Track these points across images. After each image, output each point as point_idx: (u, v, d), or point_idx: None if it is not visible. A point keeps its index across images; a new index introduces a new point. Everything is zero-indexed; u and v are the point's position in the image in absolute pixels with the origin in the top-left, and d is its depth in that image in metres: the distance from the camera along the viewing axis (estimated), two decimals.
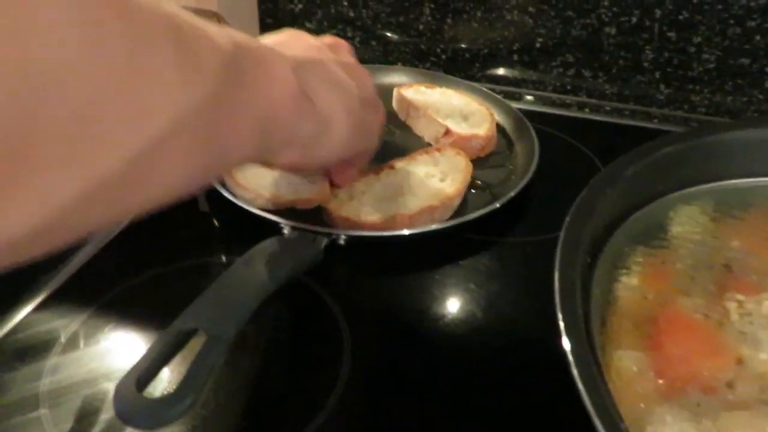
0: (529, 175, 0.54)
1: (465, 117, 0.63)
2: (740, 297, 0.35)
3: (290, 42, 0.40)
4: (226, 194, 0.50)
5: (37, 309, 0.43)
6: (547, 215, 0.53)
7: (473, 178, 0.54)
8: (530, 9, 0.72)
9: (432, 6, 0.76)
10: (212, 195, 0.52)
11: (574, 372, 0.27)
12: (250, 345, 0.41)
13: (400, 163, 0.54)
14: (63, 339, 0.41)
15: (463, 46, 0.78)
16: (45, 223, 0.19)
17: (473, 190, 0.55)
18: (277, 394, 0.39)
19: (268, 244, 0.43)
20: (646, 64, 0.71)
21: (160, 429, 0.31)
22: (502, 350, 0.42)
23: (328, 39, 0.44)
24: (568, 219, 0.35)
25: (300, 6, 0.81)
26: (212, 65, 0.26)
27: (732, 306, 0.35)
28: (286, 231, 0.46)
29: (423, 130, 0.63)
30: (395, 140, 0.61)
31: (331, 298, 0.45)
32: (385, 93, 0.61)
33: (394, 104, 0.66)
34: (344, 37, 0.80)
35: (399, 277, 0.48)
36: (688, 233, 0.40)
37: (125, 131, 0.21)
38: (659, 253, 0.39)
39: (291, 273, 0.42)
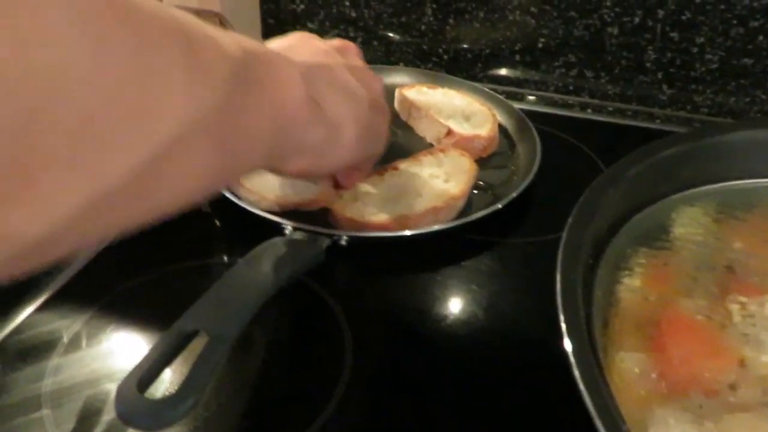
0: (531, 175, 0.54)
1: (467, 117, 0.63)
2: (743, 299, 0.35)
3: (298, 46, 0.40)
4: (228, 195, 0.50)
5: (40, 309, 0.43)
6: (549, 216, 0.53)
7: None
8: (532, 9, 0.72)
9: (434, 6, 0.76)
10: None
11: (576, 373, 0.27)
12: (251, 346, 0.41)
13: (404, 164, 0.54)
14: (65, 339, 0.41)
15: (465, 46, 0.77)
16: (50, 231, 0.19)
17: (475, 191, 0.54)
18: (278, 395, 0.39)
19: (270, 245, 0.43)
20: (648, 65, 0.71)
21: (161, 430, 0.31)
22: (503, 351, 0.42)
23: (336, 42, 0.44)
24: (570, 220, 0.35)
25: (302, 6, 0.81)
26: (221, 72, 0.25)
27: (734, 308, 0.35)
28: (287, 232, 0.46)
29: (425, 130, 0.63)
30: (397, 141, 0.61)
31: (333, 299, 0.45)
32: (387, 93, 0.61)
33: (396, 105, 0.66)
34: (346, 37, 0.80)
35: (401, 278, 0.48)
36: (691, 234, 0.40)
37: (132, 138, 0.20)
38: (661, 254, 0.39)
39: (293, 274, 0.42)
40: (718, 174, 0.44)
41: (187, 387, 0.31)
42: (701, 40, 0.68)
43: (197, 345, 0.34)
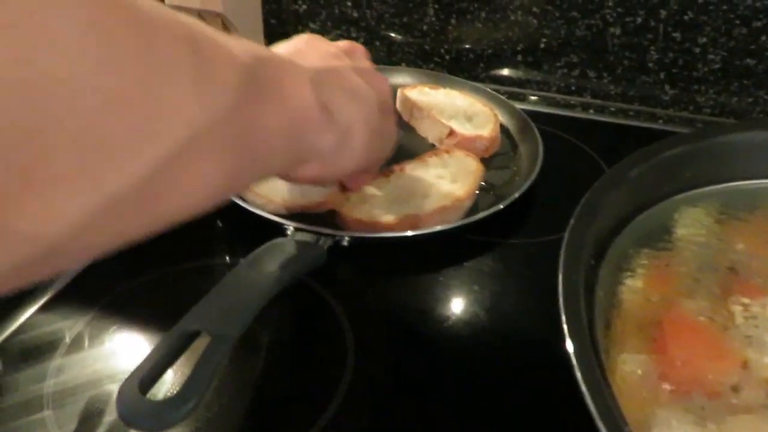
0: (533, 176, 0.54)
1: (469, 118, 0.63)
2: (745, 300, 0.35)
3: (306, 50, 0.40)
4: (233, 197, 0.50)
5: (42, 310, 0.43)
6: (551, 217, 0.53)
7: None
8: (534, 9, 0.72)
9: (436, 6, 0.76)
10: None
11: (578, 375, 0.27)
12: (254, 346, 0.41)
13: (409, 166, 0.55)
14: (67, 340, 0.41)
15: (467, 46, 0.77)
16: (56, 239, 0.18)
17: (477, 192, 0.54)
18: (280, 396, 0.39)
19: (272, 246, 0.43)
20: (651, 65, 0.71)
21: (163, 431, 0.31)
22: (505, 352, 0.42)
23: (343, 44, 0.44)
24: (572, 221, 0.35)
25: (304, 7, 0.81)
26: (229, 77, 0.25)
27: (737, 309, 0.35)
28: (289, 232, 0.46)
29: (427, 131, 0.63)
30: (399, 141, 0.61)
31: (335, 300, 0.45)
32: None
33: (398, 105, 0.66)
34: (348, 37, 0.80)
35: (403, 279, 0.48)
36: (693, 235, 0.40)
37: (139, 145, 0.20)
38: (664, 255, 0.39)
39: (295, 274, 0.42)
40: (720, 175, 0.43)
41: (188, 388, 0.31)
42: (704, 40, 0.68)
43: (199, 345, 0.34)
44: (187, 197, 0.24)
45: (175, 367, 0.35)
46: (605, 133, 0.69)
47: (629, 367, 0.32)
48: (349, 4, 0.79)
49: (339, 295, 0.45)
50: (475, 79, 0.76)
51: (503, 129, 0.63)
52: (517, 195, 0.52)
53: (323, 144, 0.35)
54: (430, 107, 0.63)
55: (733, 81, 0.69)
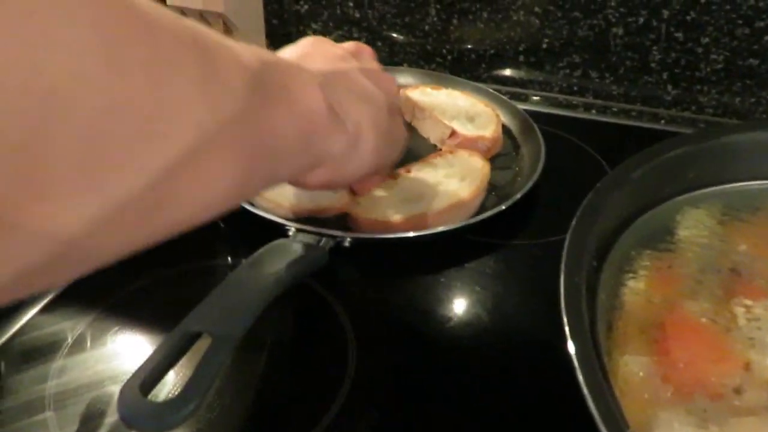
0: (535, 176, 0.54)
1: (471, 118, 0.62)
2: (748, 302, 0.35)
3: (313, 53, 0.39)
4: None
5: (43, 311, 0.43)
6: (553, 218, 0.53)
7: None
8: (537, 9, 0.72)
9: (438, 7, 0.76)
10: None
11: (580, 377, 0.27)
12: (255, 347, 0.41)
13: (416, 167, 0.55)
14: (70, 340, 0.41)
15: (469, 46, 0.77)
16: (58, 246, 0.18)
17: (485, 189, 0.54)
18: (282, 397, 0.39)
19: (274, 247, 0.43)
20: (653, 65, 0.71)
21: None
22: (507, 353, 0.42)
23: (350, 46, 0.43)
24: (574, 222, 0.35)
25: (306, 7, 0.81)
26: (237, 81, 0.25)
27: (740, 311, 0.34)
28: (291, 233, 0.46)
29: (429, 131, 0.63)
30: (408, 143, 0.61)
31: (336, 301, 0.45)
32: None
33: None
34: (350, 38, 0.80)
35: (404, 280, 0.48)
36: (696, 237, 0.40)
37: (145, 151, 0.20)
38: (666, 256, 0.39)
39: (296, 275, 0.42)
40: (723, 175, 0.43)
41: (190, 390, 0.31)
42: (706, 40, 0.68)
43: (201, 347, 0.34)
44: (197, 202, 0.24)
45: (176, 368, 0.35)
46: (607, 133, 0.69)
47: (631, 368, 0.32)
48: (351, 4, 0.79)
49: (340, 296, 0.45)
50: (477, 79, 0.76)
51: (505, 129, 0.63)
52: (519, 196, 0.52)
53: (333, 148, 0.35)
54: (432, 108, 0.63)
55: (736, 81, 0.69)
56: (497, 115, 0.63)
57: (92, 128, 0.18)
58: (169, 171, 0.20)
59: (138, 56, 0.19)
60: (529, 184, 0.53)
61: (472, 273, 0.48)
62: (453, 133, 0.59)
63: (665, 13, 0.68)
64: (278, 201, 0.50)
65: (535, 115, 0.64)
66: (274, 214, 0.49)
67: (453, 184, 0.53)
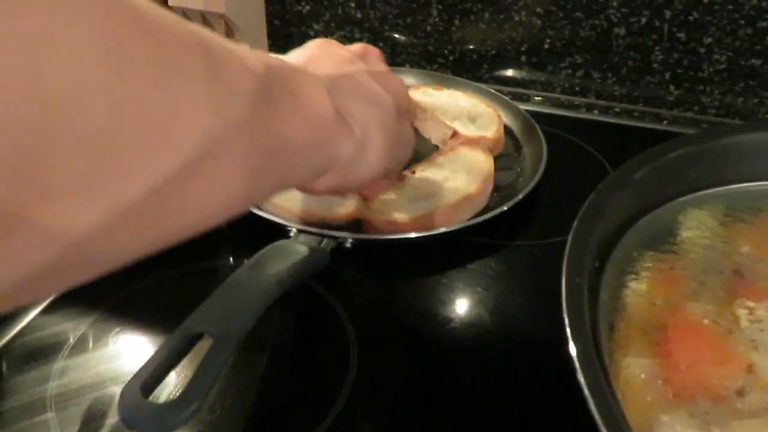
0: (537, 177, 0.54)
1: (473, 119, 0.62)
2: (750, 303, 0.35)
3: (321, 56, 0.39)
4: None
5: (45, 312, 0.43)
6: (555, 218, 0.53)
7: None
8: (538, 10, 0.72)
9: (440, 7, 0.76)
10: None
11: (581, 378, 0.27)
12: (256, 349, 0.41)
13: (420, 167, 0.55)
14: (71, 341, 0.41)
15: (470, 47, 0.77)
16: (61, 254, 0.18)
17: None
18: (283, 398, 0.39)
19: (275, 248, 0.43)
20: (655, 65, 0.71)
21: None
22: (508, 354, 0.42)
23: (357, 48, 0.43)
24: (576, 223, 0.35)
25: (308, 7, 0.81)
26: (244, 87, 0.24)
27: (742, 312, 0.34)
28: (292, 234, 0.46)
29: (430, 132, 0.62)
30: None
31: (338, 302, 0.45)
32: None
33: None
34: (351, 38, 0.80)
35: (406, 281, 0.48)
36: (698, 238, 0.40)
37: (150, 157, 0.19)
38: (668, 258, 0.39)
39: (298, 276, 0.42)
40: (725, 176, 0.43)
41: (190, 391, 0.31)
42: (709, 40, 0.68)
43: (202, 347, 0.34)
44: (204, 208, 0.24)
45: (177, 369, 0.35)
46: (609, 134, 0.69)
47: (633, 370, 0.32)
48: (353, 5, 0.79)
49: (342, 297, 0.45)
50: (479, 79, 0.76)
51: (507, 130, 0.63)
52: (521, 196, 0.52)
53: (341, 153, 0.34)
54: (434, 108, 0.62)
55: (739, 81, 0.69)
56: (499, 116, 0.63)
57: (96, 132, 0.17)
58: (175, 176, 0.20)
59: (142, 60, 0.19)
60: (531, 185, 0.53)
61: (473, 274, 0.48)
62: (455, 134, 0.59)
63: (667, 13, 0.67)
64: (288, 207, 0.49)
65: (537, 116, 0.64)
66: (285, 219, 0.48)
67: (460, 179, 0.53)
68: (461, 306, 0.46)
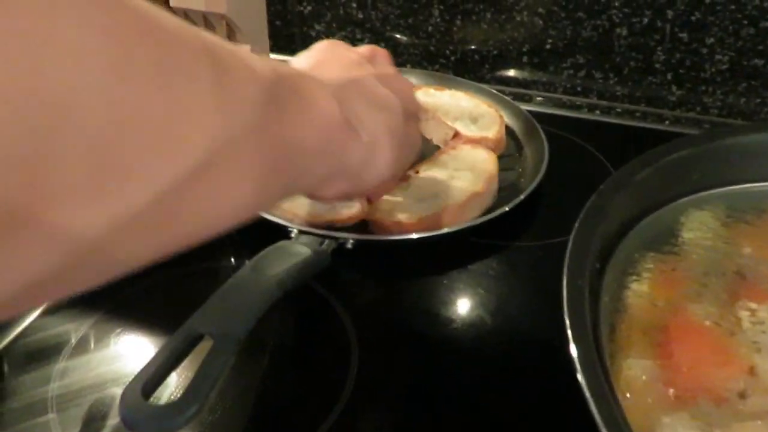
0: (539, 178, 0.54)
1: (474, 119, 0.62)
2: (753, 305, 0.35)
3: (329, 60, 0.39)
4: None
5: (46, 313, 0.43)
6: (556, 219, 0.53)
7: None
8: (540, 10, 0.72)
9: (441, 7, 0.75)
10: None
11: (582, 380, 0.27)
12: (257, 350, 0.41)
13: (423, 166, 0.55)
14: (72, 342, 0.41)
15: (472, 47, 0.77)
16: (64, 260, 0.18)
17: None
18: (284, 399, 0.39)
19: (276, 249, 0.43)
20: (657, 66, 0.71)
21: None
22: (510, 355, 0.42)
23: (365, 50, 0.43)
24: (577, 223, 0.35)
25: (309, 8, 0.81)
26: (251, 93, 0.24)
27: (744, 314, 0.34)
28: (293, 235, 0.46)
29: (432, 132, 0.62)
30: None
31: (339, 303, 0.45)
32: None
33: None
34: (353, 38, 0.80)
35: (407, 281, 0.48)
36: (700, 239, 0.40)
37: (155, 163, 0.19)
38: (670, 259, 0.39)
39: (299, 277, 0.42)
40: (727, 177, 0.43)
41: (191, 392, 0.31)
42: (711, 40, 0.67)
43: (203, 348, 0.34)
44: (211, 215, 0.23)
45: (178, 370, 0.35)
46: (611, 134, 0.69)
47: (634, 372, 0.31)
48: (354, 5, 0.79)
49: (343, 298, 0.45)
50: (481, 80, 0.76)
51: (508, 130, 0.63)
52: (522, 197, 0.52)
53: (349, 159, 0.34)
54: (435, 109, 0.62)
55: (741, 82, 0.69)
56: (500, 116, 0.63)
57: (98, 133, 0.17)
58: (182, 181, 0.20)
59: (144, 61, 0.19)
60: (533, 186, 0.53)
61: (475, 275, 0.48)
62: (456, 134, 0.59)
63: (669, 13, 0.67)
64: (295, 211, 0.49)
65: (539, 116, 0.63)
66: (292, 223, 0.48)
67: (465, 177, 0.53)
68: (462, 307, 0.46)
